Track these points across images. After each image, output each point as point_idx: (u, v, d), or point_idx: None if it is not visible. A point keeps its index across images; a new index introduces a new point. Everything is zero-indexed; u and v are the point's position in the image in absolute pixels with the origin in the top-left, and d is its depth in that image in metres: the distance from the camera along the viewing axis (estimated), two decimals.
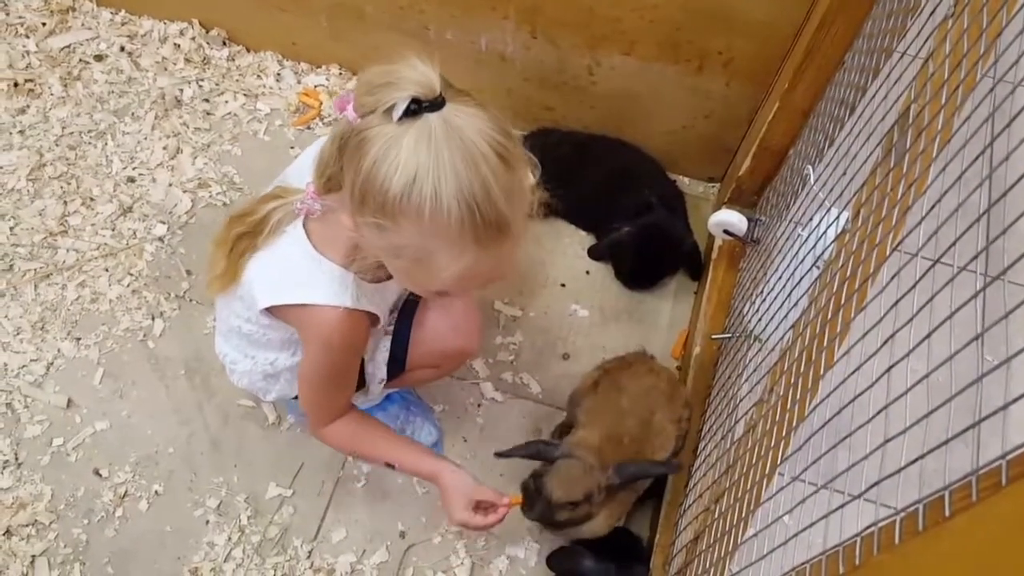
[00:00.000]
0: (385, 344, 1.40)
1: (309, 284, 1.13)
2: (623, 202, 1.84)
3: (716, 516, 1.22)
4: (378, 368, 1.41)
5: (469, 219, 0.92)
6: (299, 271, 1.14)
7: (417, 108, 0.90)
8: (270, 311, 1.17)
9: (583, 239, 1.93)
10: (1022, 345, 0.62)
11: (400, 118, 0.90)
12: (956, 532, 0.50)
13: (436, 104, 0.91)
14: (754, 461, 1.11)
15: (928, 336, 0.71)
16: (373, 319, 1.21)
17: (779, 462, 1.03)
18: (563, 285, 1.86)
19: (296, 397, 1.35)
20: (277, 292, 1.15)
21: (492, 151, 0.92)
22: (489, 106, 0.96)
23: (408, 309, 1.41)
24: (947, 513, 0.53)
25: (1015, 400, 0.56)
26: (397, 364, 1.42)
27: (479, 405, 1.71)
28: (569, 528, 1.43)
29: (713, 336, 1.65)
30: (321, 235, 1.14)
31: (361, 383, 1.42)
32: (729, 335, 1.58)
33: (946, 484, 0.58)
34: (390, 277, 1.20)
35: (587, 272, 1.89)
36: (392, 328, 1.40)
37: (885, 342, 0.78)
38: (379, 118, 0.92)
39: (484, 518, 1.31)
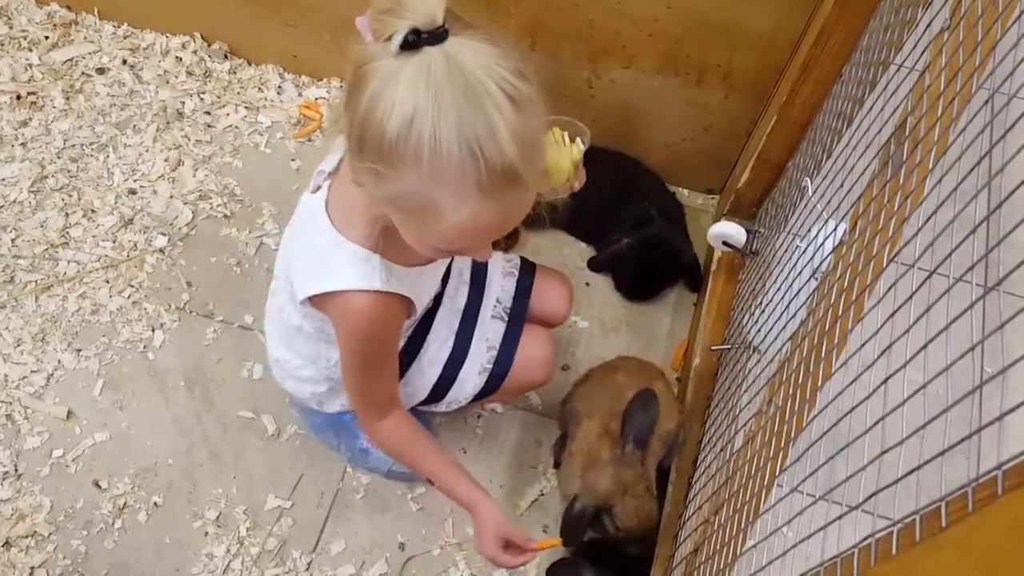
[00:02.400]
0: (437, 366, 1.39)
1: (335, 270, 1.08)
2: (623, 214, 1.85)
3: (715, 528, 1.21)
4: (421, 389, 1.41)
5: (472, 165, 0.84)
6: (325, 257, 1.10)
7: (416, 40, 0.82)
8: (311, 301, 1.14)
9: (583, 251, 1.93)
10: (1019, 356, 0.62)
11: (398, 50, 0.82)
12: (952, 543, 0.50)
13: (438, 36, 0.82)
14: (753, 472, 1.11)
15: (924, 347, 0.71)
16: (407, 304, 1.16)
17: (778, 473, 1.03)
18: None
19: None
20: (311, 281, 1.11)
21: (500, 91, 0.83)
22: (503, 40, 0.87)
23: (509, 340, 1.41)
24: (943, 524, 0.53)
25: (1011, 411, 0.57)
26: (492, 390, 1.42)
27: (478, 416, 1.71)
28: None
29: (712, 348, 1.65)
30: (340, 216, 1.10)
31: (441, 398, 1.43)
32: (728, 346, 1.59)
33: (943, 495, 0.58)
34: (425, 262, 1.17)
35: (587, 283, 1.89)
36: (451, 340, 1.40)
37: (882, 353, 0.78)
38: (379, 49, 0.85)
39: (512, 557, 1.30)
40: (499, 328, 1.42)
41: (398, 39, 0.82)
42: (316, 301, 1.13)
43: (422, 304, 1.24)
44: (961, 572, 0.49)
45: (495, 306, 1.43)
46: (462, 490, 1.31)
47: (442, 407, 1.47)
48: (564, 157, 1.25)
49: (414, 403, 1.44)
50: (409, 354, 1.37)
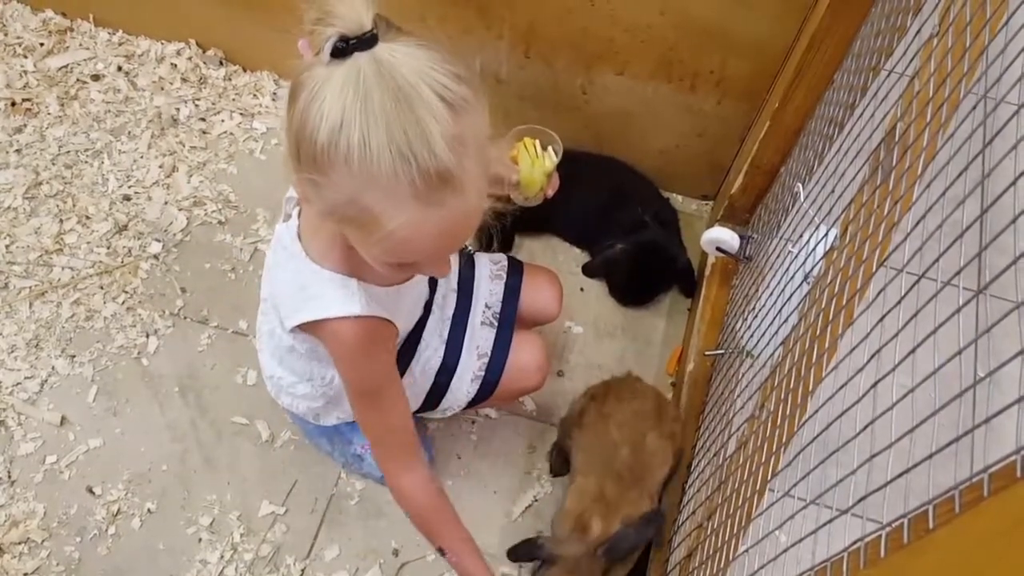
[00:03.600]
0: (429, 375, 1.39)
1: (315, 298, 1.08)
2: (617, 220, 1.85)
3: (709, 532, 1.22)
4: (413, 398, 1.40)
5: (404, 170, 0.82)
6: (305, 285, 1.10)
7: (345, 47, 0.80)
8: (300, 329, 1.13)
9: (577, 256, 1.94)
10: (1007, 359, 0.62)
11: (328, 58, 0.81)
12: (939, 545, 0.51)
13: (366, 42, 0.81)
14: (745, 477, 1.11)
15: (913, 351, 0.72)
16: (391, 325, 1.15)
17: (769, 478, 1.03)
18: None
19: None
20: (294, 312, 1.11)
21: (433, 94, 0.82)
22: (439, 45, 0.85)
23: (500, 346, 1.41)
24: (931, 526, 0.53)
25: (996, 414, 0.57)
26: (485, 396, 1.42)
27: (473, 422, 1.71)
28: None
29: (706, 352, 1.65)
30: (312, 242, 1.10)
31: (435, 406, 1.42)
32: (722, 351, 1.59)
33: (931, 498, 0.59)
34: (401, 280, 1.17)
35: (581, 289, 1.89)
36: (443, 345, 1.40)
37: (871, 357, 0.79)
38: (311, 61, 0.84)
39: None
40: (489, 335, 1.42)
41: (328, 47, 0.81)
42: (304, 328, 1.13)
43: (403, 324, 1.23)
44: (948, 573, 0.49)
45: (484, 312, 1.43)
46: (471, 569, 1.27)
47: (437, 414, 1.47)
48: (537, 170, 1.26)
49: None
50: (401, 363, 1.36)
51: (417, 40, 0.84)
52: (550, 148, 1.30)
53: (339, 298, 1.07)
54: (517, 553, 1.46)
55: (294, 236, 1.12)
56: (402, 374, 1.36)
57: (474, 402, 1.44)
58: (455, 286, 1.43)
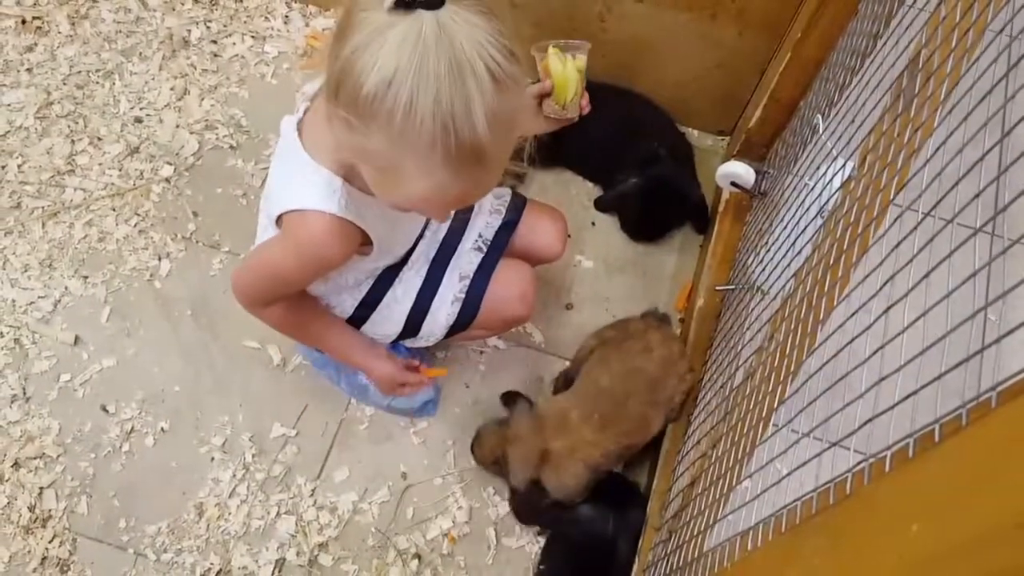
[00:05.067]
0: (410, 295, 1.39)
1: (300, 186, 1.08)
2: (631, 153, 1.83)
3: (712, 461, 1.23)
4: (393, 323, 1.41)
5: (443, 138, 0.84)
6: (292, 174, 1.10)
7: (412, 1, 0.80)
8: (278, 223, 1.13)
9: (590, 190, 1.92)
10: (1014, 284, 0.62)
11: (391, 7, 0.81)
12: (945, 455, 0.51)
13: (434, 2, 0.81)
14: (751, 407, 1.11)
15: (925, 278, 0.71)
16: (361, 235, 1.14)
17: (775, 408, 1.04)
18: (568, 235, 1.86)
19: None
20: (279, 200, 1.11)
21: (485, 68, 0.83)
22: (499, 17, 0.86)
23: (483, 270, 1.41)
24: (937, 440, 0.53)
25: (1005, 335, 0.57)
26: (465, 321, 1.42)
27: (481, 352, 1.72)
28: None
29: (717, 287, 1.65)
30: (312, 139, 1.09)
31: (415, 331, 1.43)
32: (733, 287, 1.59)
33: (937, 417, 0.59)
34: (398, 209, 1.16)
35: (592, 223, 1.88)
36: (423, 273, 1.40)
37: (883, 285, 0.78)
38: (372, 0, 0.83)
39: (408, 389, 1.43)
40: (475, 259, 1.41)
41: None
42: (285, 220, 1.12)
43: (384, 244, 1.21)
44: (954, 480, 0.49)
45: (476, 240, 1.43)
46: (354, 359, 1.39)
47: (420, 341, 1.47)
48: (569, 69, 1.23)
49: (392, 338, 1.44)
50: (383, 283, 1.37)
51: (480, 6, 0.84)
52: (576, 55, 1.27)
53: (320, 193, 1.07)
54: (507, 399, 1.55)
55: (294, 128, 1.11)
56: (383, 294, 1.37)
57: (456, 328, 1.43)
58: (451, 213, 1.41)
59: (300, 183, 1.08)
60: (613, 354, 1.50)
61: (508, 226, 1.45)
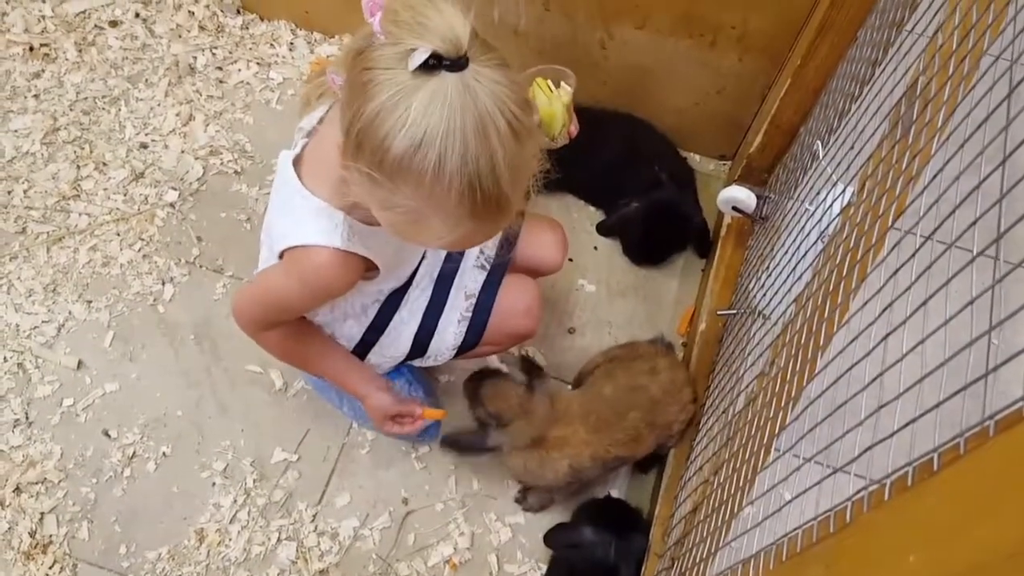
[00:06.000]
0: (416, 315, 1.40)
1: (302, 223, 1.09)
2: (633, 178, 1.84)
3: (715, 487, 1.22)
4: (402, 344, 1.41)
5: (469, 195, 0.87)
6: (292, 209, 1.11)
7: (436, 64, 0.81)
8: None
9: (592, 214, 1.93)
10: (1017, 326, 0.62)
11: (415, 69, 0.82)
12: (943, 485, 0.51)
13: (458, 64, 0.82)
14: (753, 433, 1.11)
15: (923, 304, 0.71)
16: (366, 263, 1.15)
17: (776, 434, 1.03)
18: (571, 260, 1.86)
19: None
20: (282, 236, 1.12)
21: (506, 123, 0.85)
22: (511, 67, 0.88)
23: (489, 288, 1.42)
24: (935, 469, 0.53)
25: (1004, 363, 0.57)
26: (473, 341, 1.42)
27: None
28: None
29: (719, 312, 1.65)
30: (311, 172, 1.10)
31: (423, 351, 1.43)
32: (734, 311, 1.59)
33: (936, 446, 0.59)
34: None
35: (595, 247, 1.89)
36: (429, 293, 1.41)
37: (882, 312, 0.78)
38: (393, 59, 0.83)
39: (401, 427, 1.38)
40: (479, 277, 1.42)
41: (417, 59, 0.81)
42: (288, 255, 1.14)
43: (395, 268, 1.22)
44: (952, 509, 0.49)
45: (478, 256, 1.43)
46: (351, 386, 1.38)
47: (428, 361, 1.47)
48: (555, 103, 1.24)
49: (400, 359, 1.44)
50: (391, 306, 1.38)
51: (497, 59, 0.86)
52: (563, 84, 1.28)
53: (322, 228, 1.08)
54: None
55: (290, 163, 1.12)
56: (391, 317, 1.38)
57: (465, 347, 1.43)
58: None
59: (301, 219, 1.09)
60: (620, 370, 1.51)
61: (509, 240, 1.46)
